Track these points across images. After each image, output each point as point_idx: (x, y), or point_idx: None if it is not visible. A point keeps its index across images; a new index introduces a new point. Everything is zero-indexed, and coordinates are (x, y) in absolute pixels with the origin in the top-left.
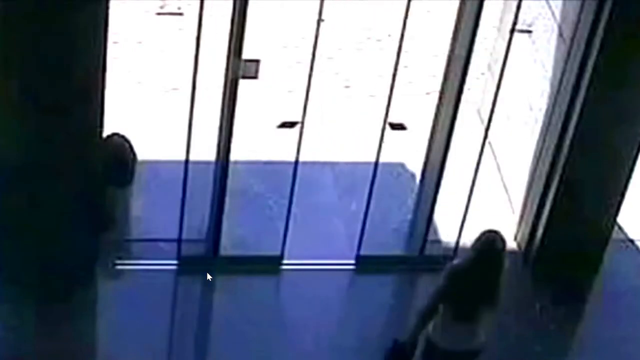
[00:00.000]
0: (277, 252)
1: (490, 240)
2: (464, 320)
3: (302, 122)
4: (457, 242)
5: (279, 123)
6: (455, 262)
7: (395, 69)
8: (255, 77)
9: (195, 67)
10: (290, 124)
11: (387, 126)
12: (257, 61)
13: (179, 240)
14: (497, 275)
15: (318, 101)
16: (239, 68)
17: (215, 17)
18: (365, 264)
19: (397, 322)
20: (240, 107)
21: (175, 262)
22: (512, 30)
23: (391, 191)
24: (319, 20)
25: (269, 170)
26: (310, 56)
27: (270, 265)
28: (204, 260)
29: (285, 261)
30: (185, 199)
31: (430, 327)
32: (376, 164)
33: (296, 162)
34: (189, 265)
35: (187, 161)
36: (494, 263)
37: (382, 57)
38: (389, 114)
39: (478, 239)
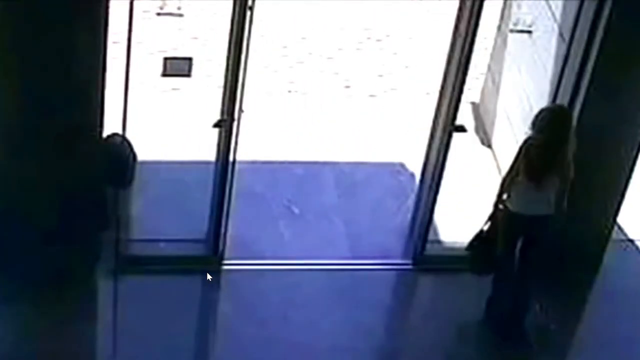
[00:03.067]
0: (277, 252)
1: (556, 111)
2: (536, 188)
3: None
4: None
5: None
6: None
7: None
8: (188, 75)
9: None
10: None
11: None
12: (189, 59)
13: (179, 241)
14: (564, 144)
15: (318, 101)
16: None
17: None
18: (366, 264)
19: (397, 322)
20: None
21: (176, 262)
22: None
23: (391, 191)
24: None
25: (269, 170)
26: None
27: (270, 265)
28: (204, 260)
29: (285, 261)
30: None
31: (508, 195)
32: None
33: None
34: (189, 265)
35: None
36: (560, 132)
37: (382, 57)
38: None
39: (542, 113)
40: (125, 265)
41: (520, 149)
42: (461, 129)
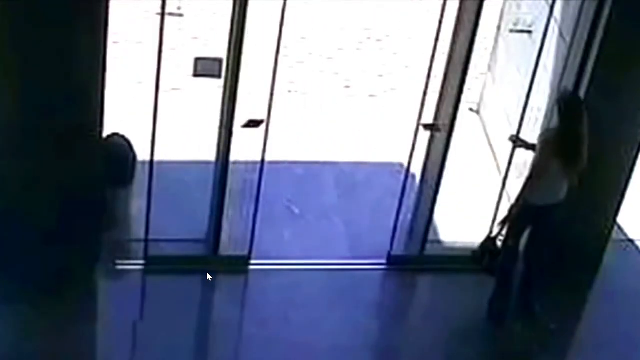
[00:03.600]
0: (277, 252)
1: (572, 98)
2: (568, 176)
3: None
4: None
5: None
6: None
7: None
8: (218, 76)
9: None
10: (255, 123)
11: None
12: (220, 60)
13: (179, 240)
14: (579, 134)
15: (318, 101)
16: (205, 66)
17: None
18: (366, 264)
19: (397, 322)
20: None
21: (175, 262)
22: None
23: (391, 191)
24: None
25: (269, 170)
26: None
27: (270, 264)
28: (204, 260)
29: (285, 261)
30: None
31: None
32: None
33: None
34: (190, 265)
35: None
36: (582, 117)
37: (382, 57)
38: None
39: (561, 103)
40: (125, 265)
41: (545, 142)
42: (431, 127)
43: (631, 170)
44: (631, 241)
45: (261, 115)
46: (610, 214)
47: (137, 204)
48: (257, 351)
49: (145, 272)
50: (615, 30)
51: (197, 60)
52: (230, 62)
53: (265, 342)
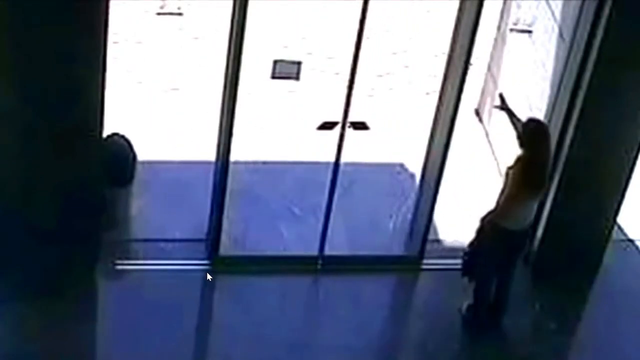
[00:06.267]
0: (278, 252)
1: (540, 125)
2: (534, 201)
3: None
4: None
5: (319, 125)
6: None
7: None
8: (297, 78)
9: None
10: (331, 125)
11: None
12: (299, 63)
13: (179, 240)
14: (544, 161)
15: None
16: (282, 68)
17: (215, 17)
18: (366, 264)
19: (397, 322)
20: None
21: (176, 262)
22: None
23: (391, 191)
24: None
25: (269, 170)
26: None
27: (271, 265)
28: (204, 260)
29: (284, 261)
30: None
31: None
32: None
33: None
34: (189, 265)
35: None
36: (548, 144)
37: (382, 57)
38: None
39: (528, 129)
40: (125, 265)
41: (514, 167)
42: (360, 126)
43: (631, 170)
44: (631, 241)
45: (260, 115)
46: (610, 214)
47: (137, 204)
48: (257, 351)
49: (145, 272)
50: (615, 30)
51: (275, 62)
52: (231, 62)
53: (265, 342)
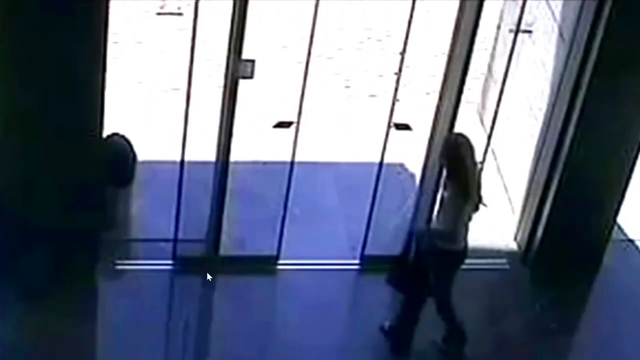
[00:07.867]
0: (277, 252)
1: (452, 144)
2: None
3: (298, 122)
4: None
5: (274, 123)
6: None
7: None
8: (251, 77)
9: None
10: (287, 124)
11: (392, 127)
12: (252, 61)
13: (178, 240)
14: (464, 173)
15: (318, 101)
16: (239, 68)
17: (215, 17)
18: (366, 264)
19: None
20: (240, 107)
21: (174, 262)
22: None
23: (391, 191)
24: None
25: (269, 170)
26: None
27: (270, 265)
28: (204, 260)
29: (285, 261)
30: (183, 199)
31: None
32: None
33: (292, 162)
34: (188, 265)
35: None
36: (462, 164)
37: (382, 57)
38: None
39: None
40: (125, 265)
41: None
42: (404, 127)
43: (631, 170)
44: (631, 241)
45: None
46: (610, 214)
47: (137, 204)
48: (256, 351)
49: (145, 272)
50: (615, 30)
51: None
52: (230, 61)
53: (265, 342)
